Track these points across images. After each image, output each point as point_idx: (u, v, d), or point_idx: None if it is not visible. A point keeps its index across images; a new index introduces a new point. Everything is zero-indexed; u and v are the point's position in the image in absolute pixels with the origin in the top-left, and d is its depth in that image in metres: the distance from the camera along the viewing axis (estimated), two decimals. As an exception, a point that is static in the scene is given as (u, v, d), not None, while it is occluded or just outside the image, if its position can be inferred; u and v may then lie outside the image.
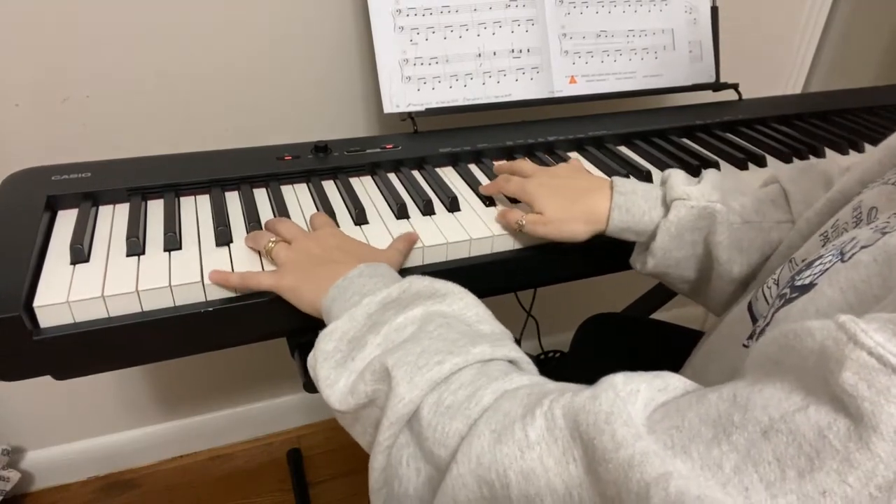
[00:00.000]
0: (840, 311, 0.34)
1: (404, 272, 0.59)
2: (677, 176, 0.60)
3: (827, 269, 0.38)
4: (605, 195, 0.60)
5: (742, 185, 0.61)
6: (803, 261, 0.45)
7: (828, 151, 0.85)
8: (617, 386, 0.31)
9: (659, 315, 1.01)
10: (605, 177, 0.76)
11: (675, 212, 0.57)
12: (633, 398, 0.30)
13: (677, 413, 0.29)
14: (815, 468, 0.24)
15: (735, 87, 0.98)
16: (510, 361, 0.41)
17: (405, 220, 0.65)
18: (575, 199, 0.60)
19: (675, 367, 0.58)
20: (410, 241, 0.60)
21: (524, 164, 0.68)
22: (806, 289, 0.38)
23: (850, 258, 0.36)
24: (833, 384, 0.24)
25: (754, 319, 0.47)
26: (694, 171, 0.77)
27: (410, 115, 0.80)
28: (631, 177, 0.75)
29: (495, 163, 0.75)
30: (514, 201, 0.67)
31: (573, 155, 0.80)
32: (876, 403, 0.23)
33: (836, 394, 0.24)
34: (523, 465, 0.31)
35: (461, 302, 0.45)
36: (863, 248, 0.36)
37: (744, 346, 0.46)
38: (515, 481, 0.32)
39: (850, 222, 0.44)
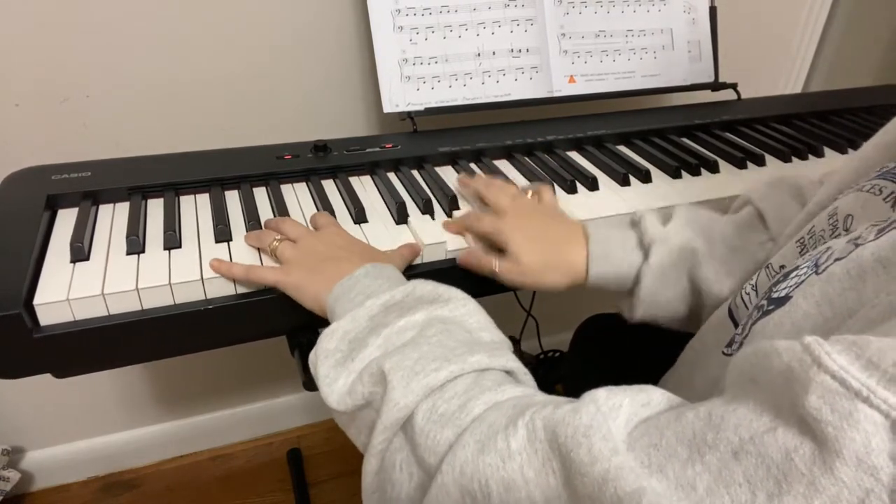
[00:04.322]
0: (815, 325, 0.34)
1: (404, 272, 0.59)
2: (650, 217, 0.60)
3: (802, 281, 0.38)
4: (580, 245, 0.58)
5: (713, 215, 0.61)
6: (781, 267, 0.45)
7: (827, 151, 0.85)
8: (599, 400, 0.31)
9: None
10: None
11: (656, 255, 0.57)
12: (614, 413, 0.30)
13: (656, 430, 0.29)
14: (783, 492, 0.24)
15: (734, 86, 0.98)
16: (507, 372, 0.41)
17: (404, 218, 0.65)
18: (552, 249, 0.58)
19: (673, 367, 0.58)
20: (414, 251, 0.60)
21: (500, 196, 0.62)
22: (782, 301, 0.38)
23: (824, 270, 0.36)
24: (799, 407, 0.24)
25: (736, 325, 0.47)
26: (693, 171, 0.77)
27: (410, 115, 0.80)
28: (630, 177, 0.75)
29: (460, 179, 0.69)
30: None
31: (573, 155, 0.80)
32: (839, 428, 0.23)
33: (802, 416, 0.24)
34: (504, 475, 0.31)
35: (463, 308, 0.45)
36: (836, 260, 0.36)
37: (724, 353, 0.46)
38: (496, 492, 0.32)
39: (827, 229, 0.44)
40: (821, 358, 0.24)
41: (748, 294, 0.47)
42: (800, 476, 0.23)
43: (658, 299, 0.58)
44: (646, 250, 0.58)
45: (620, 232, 0.60)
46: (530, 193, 0.66)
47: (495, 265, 0.58)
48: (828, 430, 0.23)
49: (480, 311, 0.46)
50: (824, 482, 0.23)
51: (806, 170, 0.81)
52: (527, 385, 0.41)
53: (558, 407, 0.32)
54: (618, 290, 0.60)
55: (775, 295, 0.39)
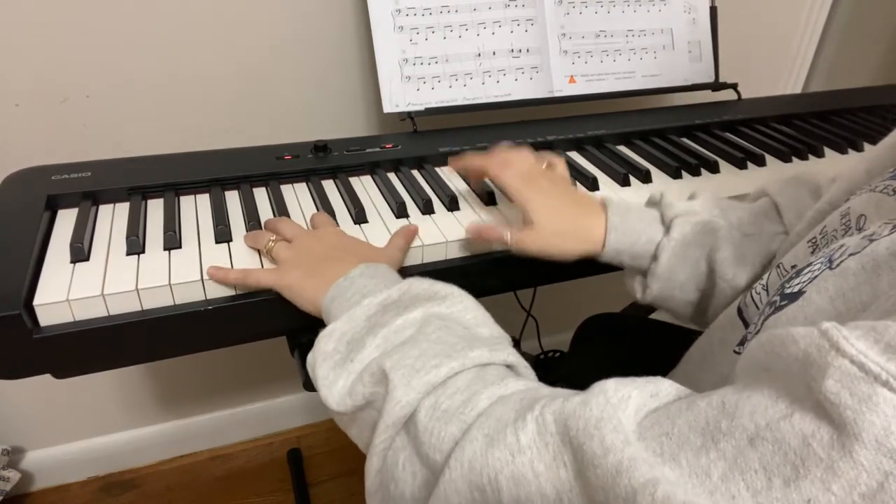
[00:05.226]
0: (828, 319, 0.34)
1: (404, 271, 0.59)
2: (672, 195, 0.59)
3: (815, 276, 0.38)
4: (599, 213, 0.57)
5: (732, 201, 0.61)
6: (793, 267, 0.45)
7: (827, 151, 0.85)
8: (608, 392, 0.31)
9: (658, 315, 1.01)
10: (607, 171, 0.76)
11: (679, 228, 0.56)
12: (623, 404, 0.30)
13: (667, 420, 0.29)
14: (800, 476, 0.24)
15: (734, 86, 0.98)
16: (508, 366, 0.41)
17: (404, 219, 0.65)
18: (571, 215, 0.57)
19: (674, 367, 0.58)
20: (409, 235, 0.59)
21: (519, 160, 0.59)
22: (795, 297, 0.38)
23: (837, 266, 0.36)
24: (816, 392, 0.24)
25: (746, 325, 0.47)
26: (693, 171, 0.77)
27: (410, 115, 0.80)
28: (630, 177, 0.75)
29: (453, 163, 0.66)
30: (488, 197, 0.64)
31: (573, 155, 0.80)
32: (857, 412, 0.23)
33: (820, 401, 0.24)
34: (514, 469, 0.31)
35: (461, 304, 0.45)
36: (851, 255, 0.36)
37: (735, 352, 0.46)
38: (506, 486, 0.31)
39: (839, 229, 0.44)
40: (839, 343, 0.24)
41: (759, 294, 0.47)
42: (818, 461, 0.23)
43: (674, 278, 0.57)
44: (667, 225, 0.57)
45: (640, 206, 0.60)
46: (544, 164, 0.63)
47: (507, 236, 0.57)
48: (846, 413, 0.23)
49: (478, 306, 0.46)
50: (843, 466, 0.23)
51: (806, 170, 0.81)
52: (528, 379, 0.41)
53: (567, 400, 0.32)
54: (630, 266, 0.59)
55: (788, 291, 0.39)
